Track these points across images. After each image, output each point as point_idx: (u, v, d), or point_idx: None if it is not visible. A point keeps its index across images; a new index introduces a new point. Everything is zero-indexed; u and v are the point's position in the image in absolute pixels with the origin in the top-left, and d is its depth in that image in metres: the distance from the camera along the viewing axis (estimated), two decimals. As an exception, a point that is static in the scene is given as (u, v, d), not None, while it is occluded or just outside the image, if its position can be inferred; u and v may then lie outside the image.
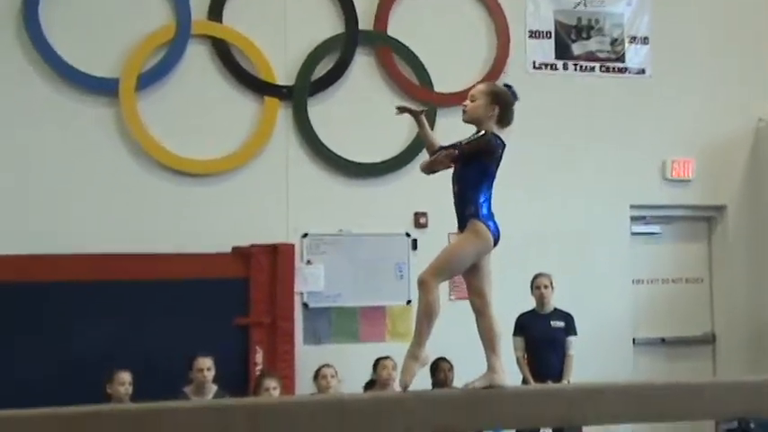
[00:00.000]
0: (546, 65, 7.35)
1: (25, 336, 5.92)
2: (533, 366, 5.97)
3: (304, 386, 6.16)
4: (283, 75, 6.76)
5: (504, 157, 3.46)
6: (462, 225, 3.43)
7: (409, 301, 6.73)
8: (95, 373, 5.44)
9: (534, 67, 7.32)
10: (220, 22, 6.65)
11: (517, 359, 6.00)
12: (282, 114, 6.74)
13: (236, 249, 6.44)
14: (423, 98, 6.98)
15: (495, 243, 3.45)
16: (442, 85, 7.03)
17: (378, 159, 6.88)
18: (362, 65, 6.95)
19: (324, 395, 5.43)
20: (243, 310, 6.38)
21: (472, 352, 6.35)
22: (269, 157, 6.69)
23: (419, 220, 6.91)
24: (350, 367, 6.11)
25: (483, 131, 3.46)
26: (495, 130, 3.46)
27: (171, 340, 6.03)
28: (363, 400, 3.24)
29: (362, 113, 6.87)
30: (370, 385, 5.91)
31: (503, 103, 3.47)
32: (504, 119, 3.49)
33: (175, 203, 6.49)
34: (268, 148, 6.69)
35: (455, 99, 7.02)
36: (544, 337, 5.99)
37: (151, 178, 6.48)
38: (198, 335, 6.06)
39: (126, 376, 5.45)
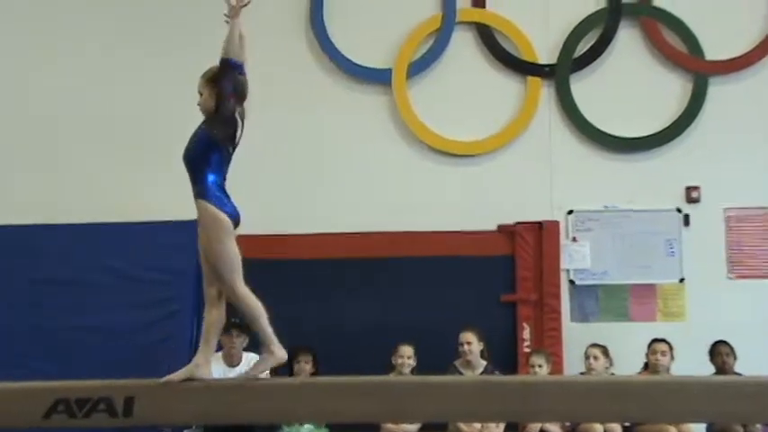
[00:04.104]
0: (839, 20, 6.66)
1: (312, 309, 6.44)
2: None
3: (572, 363, 6.17)
4: (545, 54, 6.77)
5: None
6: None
7: (682, 279, 6.48)
8: (375, 345, 5.83)
9: (824, 23, 6.67)
10: (484, 7, 6.83)
11: None
12: (545, 93, 6.76)
13: (501, 227, 6.58)
14: (693, 67, 6.66)
15: (236, 224, 3.33)
16: (713, 52, 6.65)
17: (645, 133, 6.66)
18: (626, 38, 6.75)
19: (591, 377, 5.41)
20: (509, 287, 6.51)
21: (756, 334, 6.06)
22: (532, 136, 6.73)
23: (691, 194, 6.60)
24: (621, 347, 6.00)
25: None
26: (237, 108, 3.40)
27: (441, 315, 6.28)
28: (634, 382, 3.19)
29: (627, 87, 6.70)
30: (646, 368, 5.76)
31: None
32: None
33: (443, 183, 6.75)
34: (531, 127, 6.73)
35: (730, 66, 6.63)
36: None
37: (421, 160, 6.79)
38: (466, 311, 6.28)
39: (407, 350, 5.76)
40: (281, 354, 3.42)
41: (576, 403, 3.20)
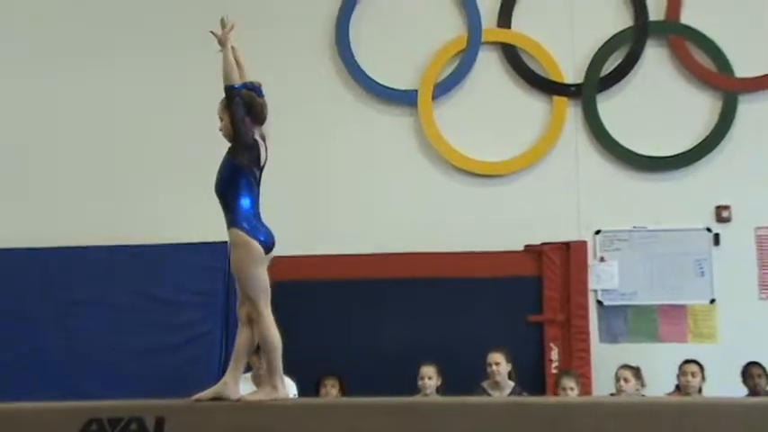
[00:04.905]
0: None
1: (338, 330, 6.45)
2: None
3: (602, 385, 6.10)
4: (572, 73, 6.77)
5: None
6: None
7: (713, 300, 6.41)
8: (402, 367, 5.82)
9: None
10: (509, 27, 6.86)
11: None
12: (571, 112, 6.74)
13: (528, 247, 6.55)
14: (722, 85, 6.62)
15: (269, 249, 3.37)
16: (743, 69, 6.61)
17: (673, 152, 6.61)
18: (653, 56, 6.73)
19: (622, 398, 5.35)
20: (536, 307, 6.46)
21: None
22: (559, 155, 6.71)
23: (721, 213, 6.53)
24: (651, 368, 5.94)
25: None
26: (256, 131, 3.47)
27: (467, 336, 6.27)
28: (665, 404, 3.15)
29: (655, 105, 6.67)
30: (677, 390, 5.68)
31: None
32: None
33: (469, 204, 6.74)
34: (558, 147, 6.71)
35: (760, 84, 6.59)
36: None
37: (447, 181, 6.80)
38: (493, 332, 6.25)
39: (429, 370, 5.73)
40: (282, 391, 3.44)
41: (606, 425, 3.17)
